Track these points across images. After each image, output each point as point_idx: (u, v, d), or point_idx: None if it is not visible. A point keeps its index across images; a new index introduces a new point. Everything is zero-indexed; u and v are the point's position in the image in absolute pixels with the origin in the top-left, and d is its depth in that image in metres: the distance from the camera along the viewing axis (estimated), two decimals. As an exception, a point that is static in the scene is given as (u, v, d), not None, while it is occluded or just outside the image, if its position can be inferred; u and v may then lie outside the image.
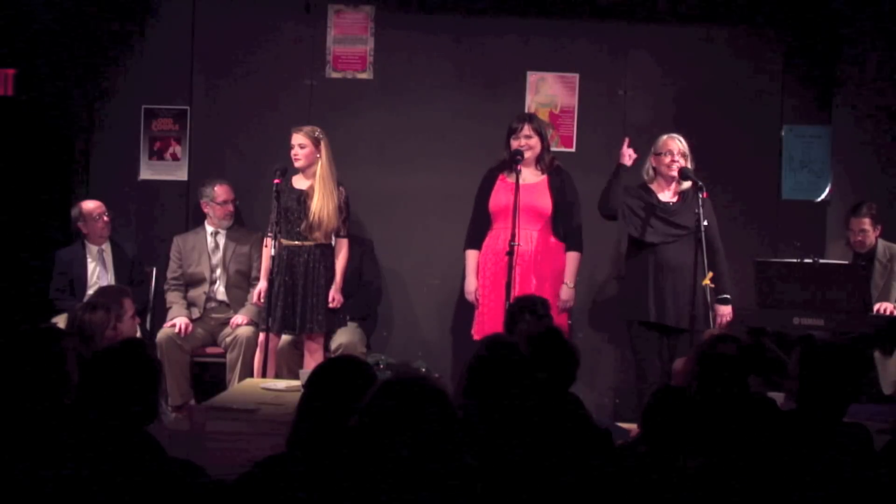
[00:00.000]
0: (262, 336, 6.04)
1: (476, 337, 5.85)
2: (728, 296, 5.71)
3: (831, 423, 3.31)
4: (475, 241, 5.96)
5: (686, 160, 5.76)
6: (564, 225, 5.85)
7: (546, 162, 5.87)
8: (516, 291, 5.54)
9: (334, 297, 5.96)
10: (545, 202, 5.80)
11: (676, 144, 5.78)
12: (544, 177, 5.86)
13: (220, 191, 6.50)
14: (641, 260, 5.78)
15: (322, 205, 5.86)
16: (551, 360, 3.71)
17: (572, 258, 5.87)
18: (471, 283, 5.95)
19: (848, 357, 3.43)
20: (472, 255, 5.97)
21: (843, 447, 3.23)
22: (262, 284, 6.04)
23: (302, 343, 6.06)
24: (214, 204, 6.49)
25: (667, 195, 5.79)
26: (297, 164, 5.92)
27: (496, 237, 5.85)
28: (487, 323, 5.82)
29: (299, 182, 5.97)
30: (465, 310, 6.12)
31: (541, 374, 3.39)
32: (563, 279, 5.83)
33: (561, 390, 3.75)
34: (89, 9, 6.68)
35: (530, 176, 5.81)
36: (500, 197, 5.84)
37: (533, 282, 5.73)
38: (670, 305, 5.67)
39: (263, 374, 5.93)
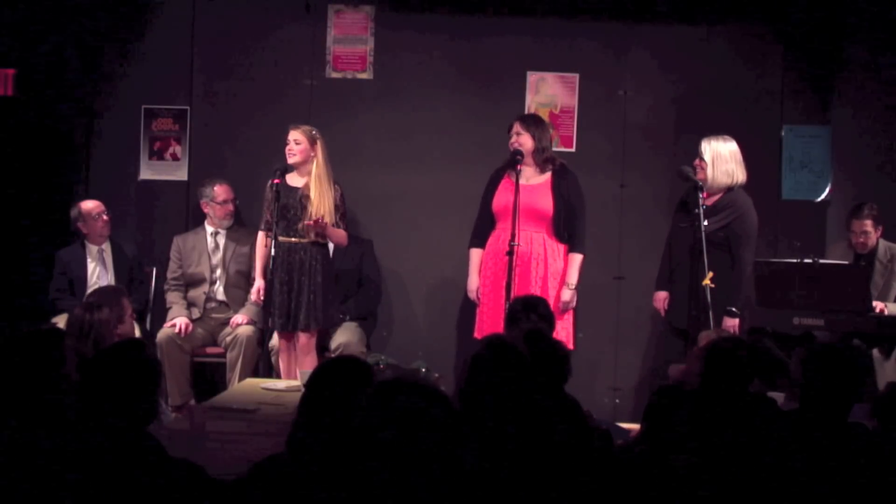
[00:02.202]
0: (277, 338, 6.03)
1: (477, 336, 5.85)
2: (734, 309, 5.65)
3: (835, 424, 3.31)
4: (479, 239, 5.96)
5: (704, 165, 5.74)
6: (567, 226, 5.83)
7: (542, 161, 5.85)
8: (515, 292, 5.54)
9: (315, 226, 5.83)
10: (546, 203, 5.78)
11: (700, 149, 5.78)
12: (548, 178, 5.83)
13: (220, 190, 6.50)
14: (672, 264, 5.86)
15: (318, 203, 5.85)
16: (541, 361, 3.72)
17: (574, 260, 5.84)
18: (473, 282, 5.95)
19: (850, 358, 3.43)
20: (475, 254, 5.97)
21: (846, 447, 3.23)
22: (258, 283, 6.02)
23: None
24: (214, 204, 6.50)
25: (709, 199, 5.77)
26: (290, 160, 5.91)
27: (498, 237, 5.84)
28: (486, 322, 5.82)
29: (295, 180, 5.96)
30: (465, 309, 6.12)
31: (536, 371, 3.39)
32: (563, 280, 5.83)
33: (558, 388, 3.75)
34: (89, 9, 6.68)
35: (533, 176, 5.80)
36: (502, 197, 5.84)
37: (533, 283, 5.72)
38: (681, 307, 5.70)
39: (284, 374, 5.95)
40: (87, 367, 2.95)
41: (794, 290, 5.58)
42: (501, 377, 3.07)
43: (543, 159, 5.84)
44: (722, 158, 5.76)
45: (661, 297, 5.97)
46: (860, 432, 3.34)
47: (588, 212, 6.05)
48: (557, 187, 5.81)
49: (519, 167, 5.70)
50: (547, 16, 6.75)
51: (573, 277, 5.82)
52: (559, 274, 5.81)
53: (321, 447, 2.61)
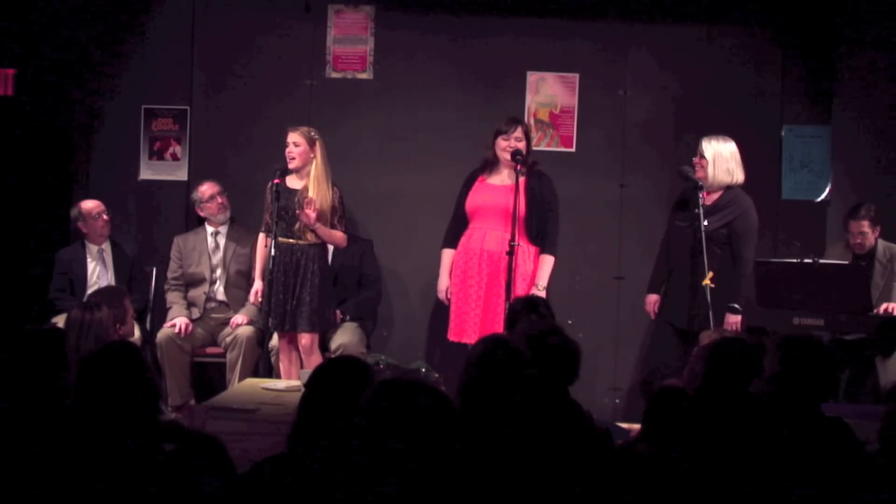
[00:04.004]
0: (277, 338, 6.02)
1: (450, 337, 5.85)
2: (736, 305, 5.67)
3: (812, 416, 3.32)
4: (452, 240, 5.97)
5: (705, 163, 5.74)
6: (539, 228, 5.83)
7: (528, 165, 5.86)
8: (486, 292, 5.63)
9: (310, 214, 5.81)
10: (520, 204, 5.76)
11: (700, 147, 5.78)
12: (522, 179, 5.82)
13: (204, 188, 6.52)
14: (670, 264, 5.87)
15: (317, 205, 5.85)
16: (552, 359, 3.71)
17: (546, 261, 5.84)
18: (443, 282, 5.97)
19: (826, 347, 3.47)
20: (447, 254, 5.99)
21: (822, 440, 3.25)
22: (257, 284, 6.02)
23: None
24: (204, 203, 6.50)
25: (709, 198, 5.76)
26: (290, 164, 5.91)
27: (469, 237, 5.86)
28: (456, 322, 5.84)
29: (294, 182, 5.96)
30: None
31: (538, 372, 3.38)
32: (533, 282, 5.81)
33: (562, 388, 3.75)
34: (89, 8, 6.68)
35: (507, 178, 5.82)
36: (476, 197, 5.86)
37: (504, 283, 5.70)
38: (680, 307, 5.71)
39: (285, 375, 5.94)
40: (79, 369, 2.95)
41: (794, 290, 5.58)
42: (502, 377, 3.06)
43: (532, 164, 5.85)
44: (722, 157, 5.77)
45: (653, 301, 6.00)
46: (836, 426, 3.36)
47: (585, 210, 6.04)
48: (531, 189, 5.81)
49: (519, 167, 5.71)
50: (547, 16, 6.75)
51: (543, 279, 5.82)
52: (528, 275, 5.80)
53: (321, 447, 2.61)
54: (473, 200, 5.87)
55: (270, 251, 5.88)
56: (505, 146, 5.80)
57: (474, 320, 5.73)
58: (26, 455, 2.76)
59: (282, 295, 5.88)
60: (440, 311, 6.71)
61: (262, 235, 6.06)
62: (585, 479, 2.90)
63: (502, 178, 5.82)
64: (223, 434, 4.18)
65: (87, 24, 6.69)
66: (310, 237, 5.90)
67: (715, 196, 5.76)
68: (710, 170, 5.75)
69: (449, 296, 5.92)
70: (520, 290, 5.71)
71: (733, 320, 5.66)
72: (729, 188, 5.79)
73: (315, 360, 5.82)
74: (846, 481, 3.08)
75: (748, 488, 3.01)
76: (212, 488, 2.72)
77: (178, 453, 2.73)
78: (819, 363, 3.40)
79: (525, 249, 5.80)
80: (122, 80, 6.79)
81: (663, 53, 6.76)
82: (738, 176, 5.79)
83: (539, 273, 5.83)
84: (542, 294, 5.77)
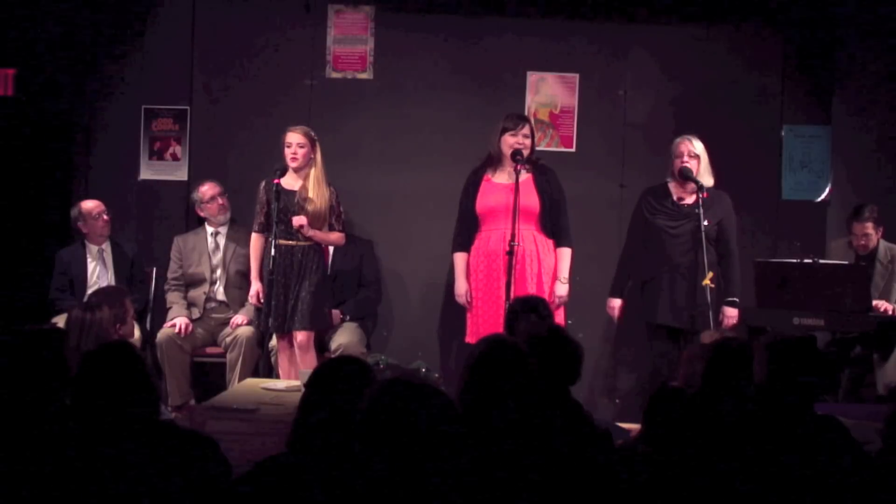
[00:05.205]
0: (276, 338, 6.02)
1: (469, 340, 5.84)
2: (736, 299, 5.76)
3: (801, 416, 3.33)
4: (463, 243, 5.96)
5: (697, 161, 5.77)
6: (553, 221, 5.86)
7: (532, 162, 5.87)
8: (514, 291, 5.57)
9: (303, 224, 5.83)
10: (533, 200, 5.79)
11: (686, 146, 5.81)
12: (529, 175, 5.84)
13: (205, 189, 6.51)
14: (653, 261, 5.85)
15: (316, 205, 5.85)
16: (554, 360, 3.71)
17: (564, 254, 5.88)
18: (461, 286, 5.94)
19: (815, 348, 3.49)
20: (460, 258, 5.96)
21: (815, 438, 3.25)
22: (256, 285, 6.01)
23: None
24: (204, 204, 6.50)
25: (682, 196, 5.79)
26: (293, 165, 5.89)
27: (486, 239, 5.85)
28: (483, 325, 5.81)
29: (290, 182, 5.93)
30: (464, 310, 6.11)
31: (538, 372, 3.38)
32: (555, 276, 5.84)
33: (563, 389, 3.75)
34: (89, 8, 6.68)
35: (511, 176, 5.81)
36: (487, 198, 5.85)
37: (529, 280, 5.73)
38: (677, 306, 5.71)
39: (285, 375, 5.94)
40: (79, 368, 2.95)
41: (794, 290, 5.58)
42: (503, 377, 3.06)
43: (535, 160, 5.86)
44: (704, 157, 5.84)
45: (617, 305, 6.02)
46: (829, 423, 3.36)
47: (584, 209, 6.05)
48: (540, 184, 5.84)
49: (518, 167, 5.72)
50: (547, 16, 6.76)
51: (565, 271, 5.87)
52: (552, 269, 5.85)
53: (321, 447, 2.61)
54: (485, 202, 5.86)
55: (270, 252, 5.88)
56: (513, 142, 5.80)
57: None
58: (26, 454, 2.76)
59: (282, 297, 5.87)
60: (441, 312, 6.73)
61: (255, 235, 6.04)
62: (586, 479, 2.90)
63: (507, 175, 5.82)
64: (223, 434, 4.21)
65: (87, 23, 6.69)
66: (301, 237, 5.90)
67: (695, 195, 5.79)
68: (701, 168, 5.80)
69: (469, 299, 5.91)
70: (545, 284, 5.78)
71: (732, 314, 5.77)
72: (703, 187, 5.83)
73: (310, 357, 5.82)
74: (842, 478, 3.09)
75: (747, 488, 3.01)
76: (211, 488, 2.72)
77: (174, 453, 2.74)
78: (809, 363, 3.41)
79: (544, 244, 5.84)
80: (122, 80, 6.79)
81: (663, 53, 6.77)
82: (711, 175, 5.84)
83: (560, 266, 5.87)
84: (566, 286, 5.83)
